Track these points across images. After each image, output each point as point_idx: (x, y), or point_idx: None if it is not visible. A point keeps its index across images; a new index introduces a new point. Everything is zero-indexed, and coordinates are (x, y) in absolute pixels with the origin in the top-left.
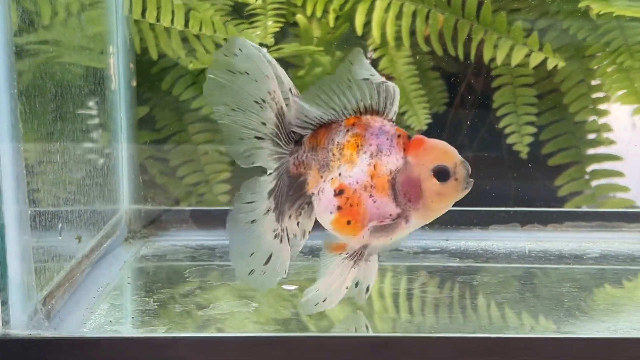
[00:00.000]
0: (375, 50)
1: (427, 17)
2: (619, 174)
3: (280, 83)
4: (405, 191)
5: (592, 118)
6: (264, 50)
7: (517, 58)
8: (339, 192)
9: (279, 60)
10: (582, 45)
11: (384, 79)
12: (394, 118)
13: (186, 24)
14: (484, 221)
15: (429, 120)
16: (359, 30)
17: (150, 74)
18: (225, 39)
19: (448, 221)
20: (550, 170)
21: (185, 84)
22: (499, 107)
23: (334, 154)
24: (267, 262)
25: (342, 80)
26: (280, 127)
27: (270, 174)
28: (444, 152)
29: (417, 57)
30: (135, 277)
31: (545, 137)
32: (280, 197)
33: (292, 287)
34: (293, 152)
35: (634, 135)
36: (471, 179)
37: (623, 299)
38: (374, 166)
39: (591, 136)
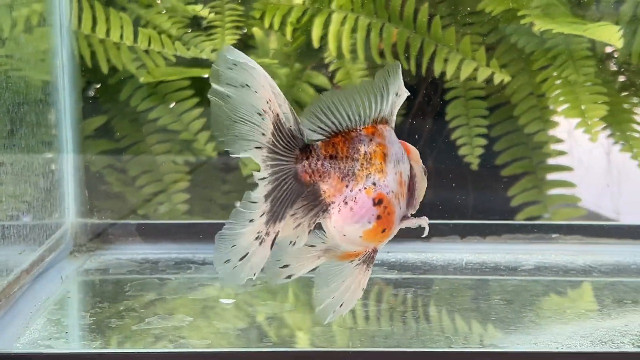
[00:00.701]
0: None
1: (381, 31)
2: (570, 184)
3: (275, 93)
4: (416, 194)
5: (541, 130)
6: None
7: (465, 72)
8: (378, 202)
9: None
10: (530, 59)
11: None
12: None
13: (135, 39)
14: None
15: None
16: (315, 42)
17: (108, 85)
18: (174, 55)
19: None
20: (504, 180)
21: (142, 95)
22: (452, 119)
23: (362, 164)
24: (242, 259)
25: (377, 90)
26: (277, 135)
27: (264, 178)
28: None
29: (376, 69)
30: (76, 291)
31: (498, 149)
32: (277, 203)
33: (229, 301)
34: (300, 160)
35: (595, 147)
36: None
37: (549, 311)
38: (400, 175)
39: (543, 148)
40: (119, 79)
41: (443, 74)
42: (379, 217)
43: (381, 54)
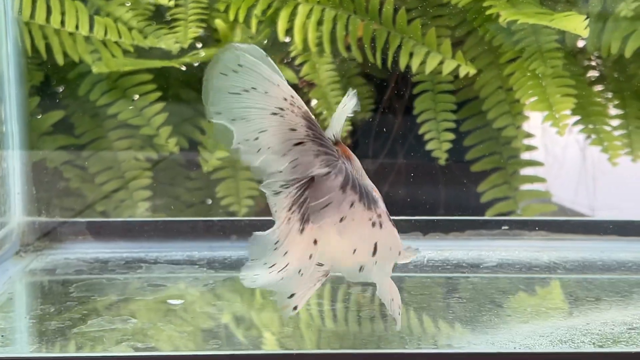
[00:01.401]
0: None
1: (347, 24)
2: (540, 179)
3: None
4: None
5: (510, 124)
6: (263, 53)
7: (431, 65)
8: (379, 197)
9: (198, 66)
10: (499, 52)
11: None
12: None
13: (91, 29)
14: None
15: (350, 127)
16: (281, 35)
17: (66, 79)
18: (133, 46)
19: None
20: (473, 177)
21: (101, 89)
22: (420, 113)
23: (359, 166)
24: (374, 253)
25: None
26: (317, 128)
27: (330, 172)
28: None
29: (345, 64)
30: (19, 292)
31: (468, 144)
32: (361, 188)
33: (178, 302)
34: (340, 156)
35: (570, 143)
36: None
37: (510, 310)
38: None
39: (513, 142)
40: (78, 73)
41: (409, 67)
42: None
43: (348, 47)
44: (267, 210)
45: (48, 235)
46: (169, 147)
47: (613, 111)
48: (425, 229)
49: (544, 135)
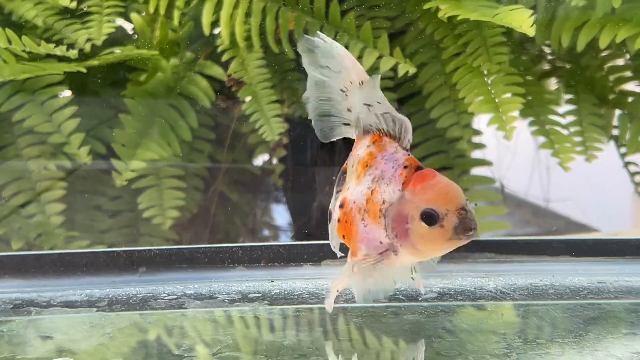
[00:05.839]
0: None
1: (277, 16)
2: (489, 180)
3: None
4: (393, 225)
5: (455, 123)
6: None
7: (367, 62)
8: (340, 205)
9: (117, 64)
10: (440, 46)
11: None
12: (408, 147)
13: None
14: (316, 256)
15: (282, 130)
16: (206, 29)
17: None
18: (24, 51)
19: (274, 257)
20: None
21: (6, 93)
22: None
23: (352, 165)
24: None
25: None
26: None
27: None
28: (441, 195)
29: (271, 59)
30: None
31: (412, 143)
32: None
33: None
34: None
35: (522, 130)
36: (472, 231)
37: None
38: (372, 192)
39: (458, 142)
40: None
41: None
42: (338, 220)
43: (278, 42)
44: None
45: None
46: (81, 157)
47: (565, 107)
48: None
49: None
